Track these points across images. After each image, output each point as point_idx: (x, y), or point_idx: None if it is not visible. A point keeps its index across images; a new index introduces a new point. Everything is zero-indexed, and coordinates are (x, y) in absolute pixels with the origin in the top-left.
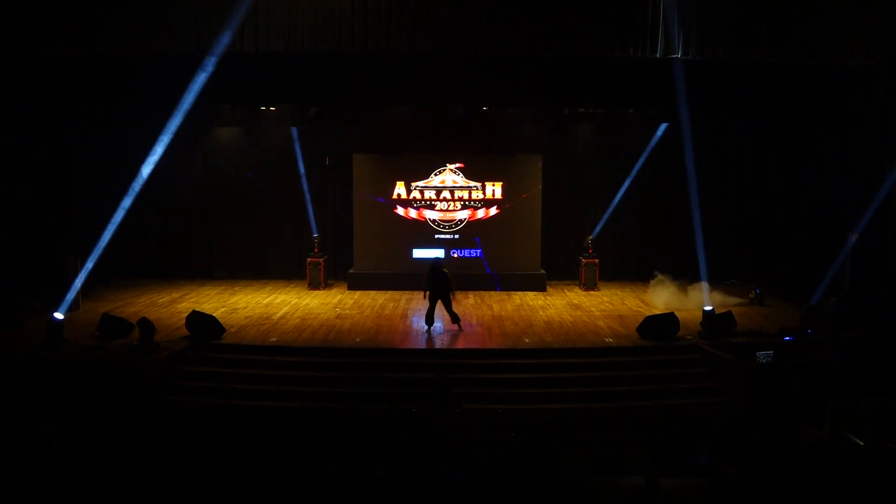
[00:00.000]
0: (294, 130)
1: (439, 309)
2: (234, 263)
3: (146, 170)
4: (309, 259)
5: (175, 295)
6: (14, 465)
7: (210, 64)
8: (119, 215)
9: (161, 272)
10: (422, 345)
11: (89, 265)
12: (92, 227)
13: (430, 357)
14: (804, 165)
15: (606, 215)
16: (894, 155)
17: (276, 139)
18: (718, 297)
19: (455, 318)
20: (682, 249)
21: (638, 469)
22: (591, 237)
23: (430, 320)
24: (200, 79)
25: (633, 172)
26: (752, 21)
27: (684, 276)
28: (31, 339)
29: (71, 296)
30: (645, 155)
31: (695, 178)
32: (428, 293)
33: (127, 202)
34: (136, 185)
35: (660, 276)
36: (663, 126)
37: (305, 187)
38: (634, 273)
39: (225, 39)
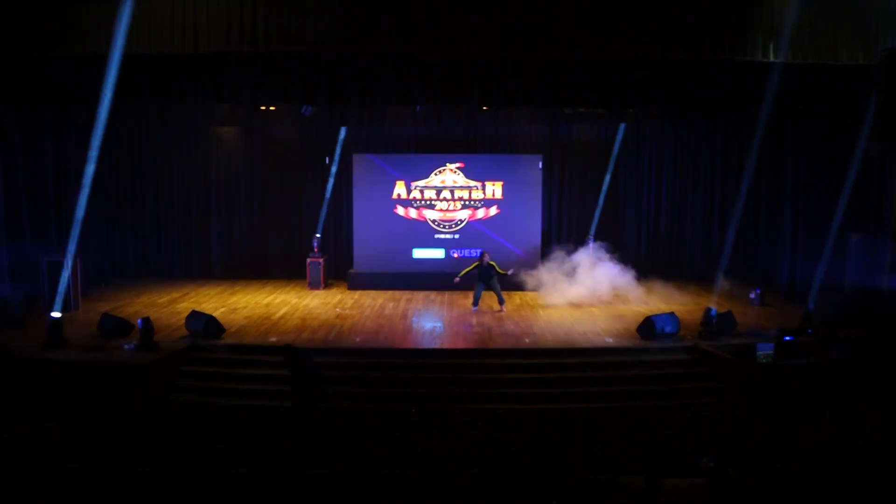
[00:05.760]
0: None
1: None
2: (234, 263)
3: None
4: (309, 259)
5: (175, 295)
6: (14, 465)
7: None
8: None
9: (161, 272)
10: (422, 344)
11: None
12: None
13: (430, 357)
14: (805, 165)
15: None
16: (894, 154)
17: (276, 139)
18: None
19: (501, 301)
20: (681, 248)
21: (638, 469)
22: (591, 236)
23: (476, 303)
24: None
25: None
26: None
27: (682, 277)
28: (31, 339)
29: (71, 296)
30: (646, 155)
31: (695, 178)
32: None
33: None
34: None
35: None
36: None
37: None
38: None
39: None
